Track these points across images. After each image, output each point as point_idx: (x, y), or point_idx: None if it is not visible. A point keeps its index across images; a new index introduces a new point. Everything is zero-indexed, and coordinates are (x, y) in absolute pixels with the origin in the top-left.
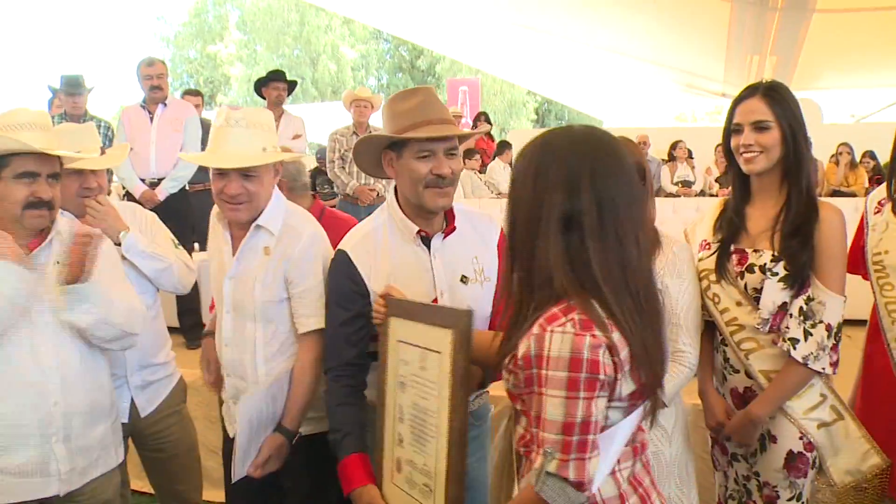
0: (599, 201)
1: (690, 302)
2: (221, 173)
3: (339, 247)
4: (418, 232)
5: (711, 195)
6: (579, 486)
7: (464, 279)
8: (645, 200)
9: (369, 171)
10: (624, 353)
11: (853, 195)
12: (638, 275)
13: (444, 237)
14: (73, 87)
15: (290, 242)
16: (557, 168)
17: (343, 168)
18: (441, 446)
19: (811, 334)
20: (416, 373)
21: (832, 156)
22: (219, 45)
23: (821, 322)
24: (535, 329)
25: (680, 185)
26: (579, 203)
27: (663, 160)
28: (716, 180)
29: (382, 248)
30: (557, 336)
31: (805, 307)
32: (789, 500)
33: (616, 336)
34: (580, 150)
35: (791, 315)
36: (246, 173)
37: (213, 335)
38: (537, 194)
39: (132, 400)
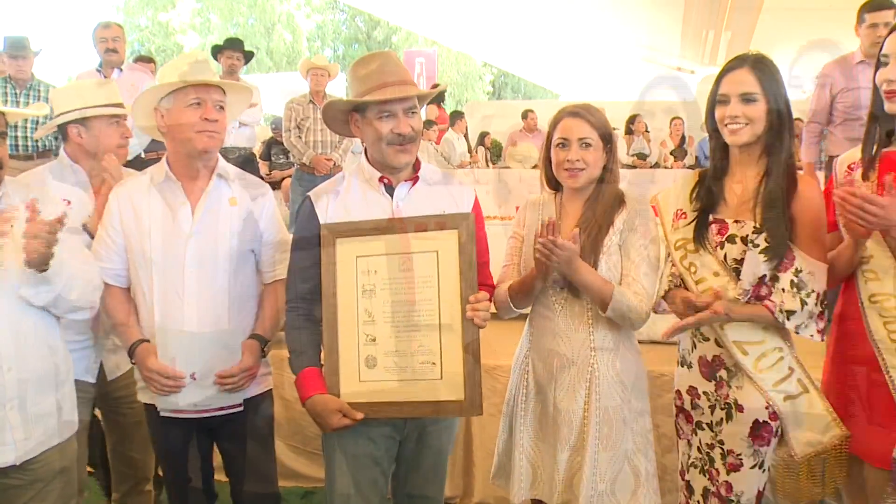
0: None
1: (644, 256)
2: (199, 102)
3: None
4: (381, 179)
5: (665, 168)
6: None
7: None
8: None
9: (341, 132)
10: None
11: (801, 169)
12: None
13: (411, 187)
14: (17, 50)
15: (256, 193)
16: None
17: (300, 137)
18: (449, 321)
19: (806, 303)
20: (392, 276)
21: None
22: (171, 12)
23: (812, 291)
24: None
25: (635, 158)
26: None
27: (615, 129)
28: (671, 153)
29: (342, 193)
30: None
31: (796, 279)
32: (752, 467)
33: None
34: None
35: (784, 290)
36: (220, 104)
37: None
38: None
39: (101, 362)
